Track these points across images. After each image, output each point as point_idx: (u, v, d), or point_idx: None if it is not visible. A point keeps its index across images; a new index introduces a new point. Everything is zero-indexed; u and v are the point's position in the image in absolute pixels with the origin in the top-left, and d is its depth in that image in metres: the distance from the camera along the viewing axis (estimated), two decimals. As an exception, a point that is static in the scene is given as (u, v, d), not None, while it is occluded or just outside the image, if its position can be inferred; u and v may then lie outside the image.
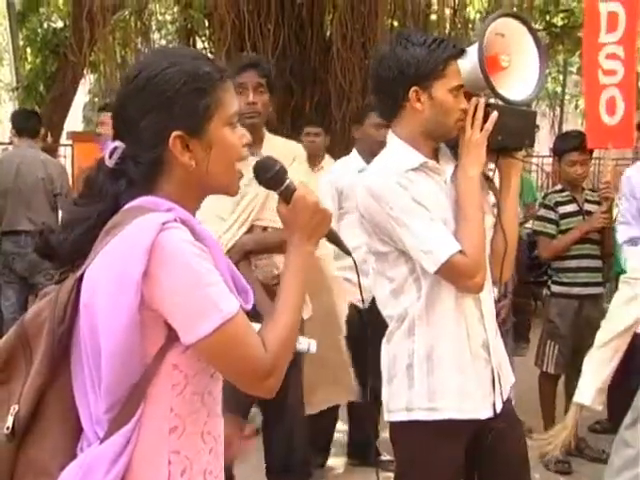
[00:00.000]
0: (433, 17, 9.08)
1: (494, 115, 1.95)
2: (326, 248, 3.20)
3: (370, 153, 3.75)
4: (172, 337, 1.25)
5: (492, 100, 2.04)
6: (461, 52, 1.97)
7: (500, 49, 2.04)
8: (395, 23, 8.43)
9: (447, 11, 9.22)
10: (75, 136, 8.52)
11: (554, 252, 3.80)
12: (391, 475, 3.63)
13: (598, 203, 3.87)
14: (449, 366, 1.96)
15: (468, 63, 1.99)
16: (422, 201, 1.93)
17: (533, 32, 2.06)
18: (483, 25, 2.03)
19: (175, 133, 1.28)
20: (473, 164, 1.95)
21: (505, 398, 2.06)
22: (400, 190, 1.92)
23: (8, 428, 1.26)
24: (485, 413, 2.00)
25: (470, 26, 9.47)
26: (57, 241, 1.31)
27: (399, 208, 1.91)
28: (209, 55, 9.20)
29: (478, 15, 10.50)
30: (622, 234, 3.34)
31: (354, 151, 3.89)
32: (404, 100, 1.96)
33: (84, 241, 1.29)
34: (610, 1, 4.13)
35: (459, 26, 9.23)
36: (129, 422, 1.24)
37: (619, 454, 2.65)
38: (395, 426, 2.04)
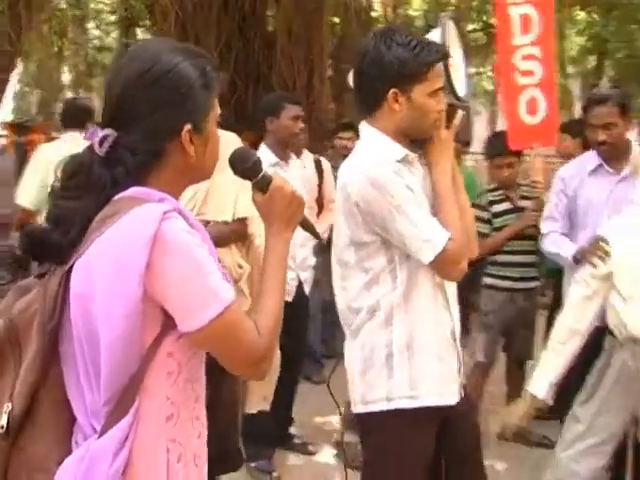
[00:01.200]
0: (374, 14, 9.20)
1: (460, 113, 2.03)
2: (261, 239, 3.28)
3: (284, 145, 3.79)
4: (167, 325, 1.25)
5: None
6: (445, 56, 1.98)
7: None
8: (338, 20, 8.50)
9: (388, 9, 9.37)
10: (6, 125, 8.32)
11: (487, 250, 3.80)
12: (304, 456, 3.79)
13: (535, 198, 3.94)
14: (429, 353, 2.00)
15: None
16: (414, 190, 1.97)
17: (459, 35, 2.14)
18: (444, 26, 2.07)
19: (187, 127, 1.30)
20: (447, 158, 2.03)
21: (465, 382, 2.14)
22: (398, 179, 1.94)
23: (2, 427, 1.25)
24: (454, 398, 2.05)
25: (409, 23, 9.63)
26: (52, 239, 1.28)
27: (400, 197, 1.93)
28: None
29: (416, 13, 10.69)
30: (546, 227, 3.45)
31: (263, 146, 3.80)
32: (383, 99, 1.98)
33: (82, 234, 1.27)
34: (520, 5, 4.24)
35: (401, 22, 9.39)
36: (128, 413, 1.23)
37: (570, 429, 2.78)
38: (372, 416, 2.04)
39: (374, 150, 2.02)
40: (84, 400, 1.27)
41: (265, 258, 1.40)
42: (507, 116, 4.06)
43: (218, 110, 1.38)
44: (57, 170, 1.33)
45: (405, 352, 1.99)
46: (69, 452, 1.28)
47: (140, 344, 1.23)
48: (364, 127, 2.07)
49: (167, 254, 1.20)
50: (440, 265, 1.95)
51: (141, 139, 1.28)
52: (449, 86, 2.03)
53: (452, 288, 2.10)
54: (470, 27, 9.52)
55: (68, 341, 1.28)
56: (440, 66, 1.98)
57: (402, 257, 1.98)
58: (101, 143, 1.29)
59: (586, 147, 3.83)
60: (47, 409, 1.28)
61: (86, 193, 1.29)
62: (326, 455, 3.93)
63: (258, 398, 3.52)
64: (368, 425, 2.09)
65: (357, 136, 4.41)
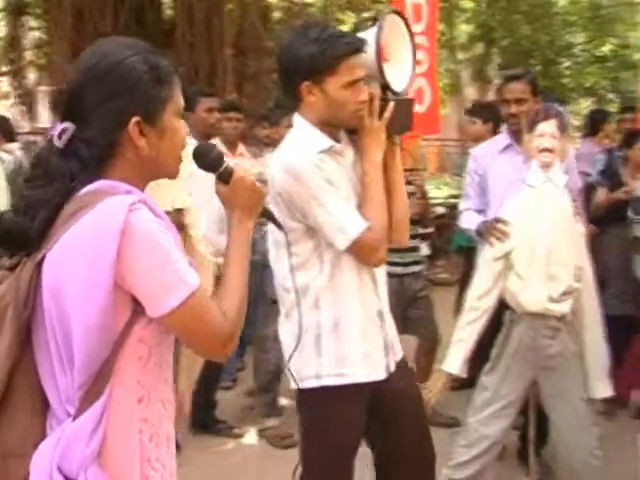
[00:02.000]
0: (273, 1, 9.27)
1: (391, 105, 2.10)
2: (195, 229, 3.37)
3: (206, 138, 3.83)
4: (137, 311, 1.31)
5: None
6: (356, 50, 2.02)
7: (384, 41, 2.12)
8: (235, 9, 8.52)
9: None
10: None
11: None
12: (228, 440, 3.90)
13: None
14: (355, 333, 2.12)
15: (367, 54, 2.08)
16: (333, 181, 2.06)
17: (409, 28, 2.19)
18: (382, 21, 2.13)
19: (135, 119, 1.34)
20: (377, 150, 2.10)
21: (398, 360, 2.26)
22: (316, 170, 2.03)
23: None
24: (382, 374, 2.18)
25: (306, 11, 9.73)
26: (20, 226, 1.32)
27: (317, 187, 2.03)
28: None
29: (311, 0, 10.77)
30: (462, 205, 3.68)
31: (190, 138, 3.84)
32: (299, 92, 2.07)
33: (48, 225, 1.32)
34: None
35: (296, 10, 9.49)
36: (101, 396, 1.29)
37: (479, 396, 3.02)
38: (304, 393, 2.15)
39: (298, 141, 2.13)
40: (57, 386, 1.33)
41: (228, 245, 1.49)
42: None
43: (180, 104, 1.42)
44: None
45: (332, 333, 2.11)
46: (44, 437, 1.33)
47: (112, 331, 1.30)
48: (295, 118, 2.18)
49: (136, 244, 1.27)
50: (356, 252, 2.08)
51: (94, 132, 1.33)
52: (381, 79, 2.11)
53: (381, 270, 2.21)
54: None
55: (40, 329, 1.33)
56: (360, 58, 2.04)
57: (327, 242, 2.10)
58: (60, 136, 1.35)
59: (496, 131, 4.08)
60: (22, 395, 1.33)
61: (48, 182, 1.34)
62: (251, 438, 4.05)
63: (184, 382, 3.59)
64: (302, 401, 2.22)
65: (271, 125, 4.49)
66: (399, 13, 2.23)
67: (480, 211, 3.52)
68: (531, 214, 2.86)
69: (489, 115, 4.57)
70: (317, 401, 2.17)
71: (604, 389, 3.06)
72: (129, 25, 7.79)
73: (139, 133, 1.36)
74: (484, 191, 3.56)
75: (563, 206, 2.91)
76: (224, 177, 1.53)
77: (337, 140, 2.15)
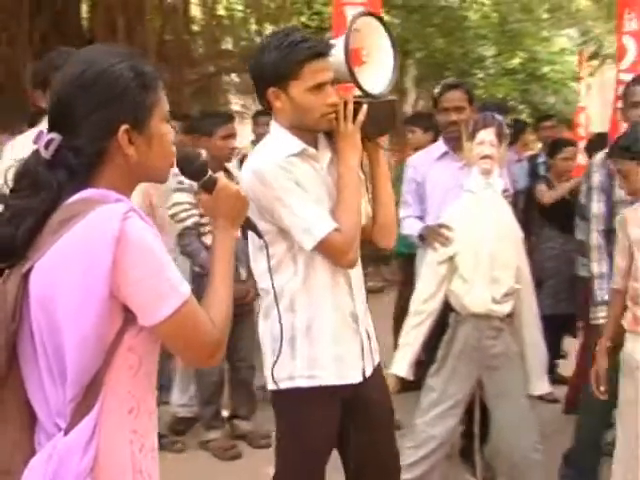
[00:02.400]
0: (194, 13, 9.23)
1: (364, 108, 2.09)
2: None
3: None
4: (128, 321, 1.30)
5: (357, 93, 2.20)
6: (317, 54, 2.04)
7: (359, 44, 2.17)
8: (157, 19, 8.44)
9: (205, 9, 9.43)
10: None
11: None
12: (170, 454, 3.85)
13: None
14: (327, 336, 2.13)
15: (336, 58, 2.10)
16: (302, 183, 2.07)
17: (387, 29, 2.20)
18: (349, 23, 2.16)
19: (123, 127, 1.33)
20: (352, 153, 2.11)
21: (375, 364, 2.26)
22: (282, 172, 2.06)
23: None
24: (357, 378, 2.18)
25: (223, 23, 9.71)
26: (4, 235, 1.30)
27: (282, 189, 2.05)
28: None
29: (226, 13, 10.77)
30: (401, 212, 3.76)
31: None
32: (267, 98, 2.10)
33: (33, 234, 1.30)
34: (355, 5, 4.52)
35: (214, 23, 9.47)
36: (93, 407, 1.28)
37: (426, 397, 3.10)
38: (278, 394, 2.18)
39: (269, 145, 2.17)
40: (47, 399, 1.31)
41: (213, 253, 1.50)
42: None
43: (165, 109, 1.41)
44: (7, 176, 1.35)
45: (306, 335, 2.13)
46: (32, 453, 1.30)
47: (105, 341, 1.29)
48: (272, 123, 2.20)
49: (131, 253, 1.26)
50: (324, 253, 2.10)
51: (82, 141, 1.32)
52: (353, 82, 2.13)
53: (357, 273, 2.23)
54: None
55: (27, 342, 1.31)
56: (324, 61, 2.06)
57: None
58: (47, 146, 1.33)
59: (436, 140, 4.20)
60: (10, 410, 1.30)
61: (35, 193, 1.32)
62: (194, 452, 4.00)
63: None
64: (277, 403, 2.24)
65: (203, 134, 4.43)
66: (374, 15, 2.24)
67: (419, 218, 3.59)
68: (473, 219, 2.97)
69: (428, 124, 4.66)
70: (290, 403, 2.19)
71: (542, 386, 3.20)
72: (47, 33, 7.58)
73: (128, 141, 1.35)
74: (422, 198, 3.64)
75: (503, 211, 3.03)
76: (208, 186, 1.53)
77: (313, 144, 2.17)
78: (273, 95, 2.09)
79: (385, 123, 2.22)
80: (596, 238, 3.21)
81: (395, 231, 2.35)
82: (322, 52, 2.06)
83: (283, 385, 2.16)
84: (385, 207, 2.26)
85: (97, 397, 1.29)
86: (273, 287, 2.04)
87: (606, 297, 3.09)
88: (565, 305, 4.51)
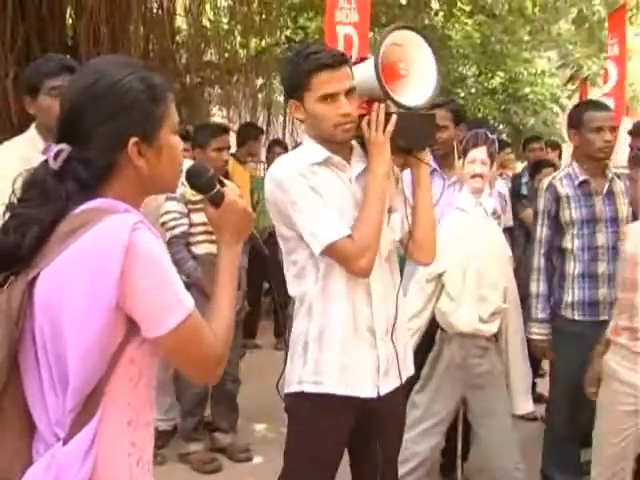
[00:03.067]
0: (179, 24, 9.23)
1: (394, 118, 2.10)
2: None
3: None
4: (131, 332, 1.30)
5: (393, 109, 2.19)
6: (324, 65, 2.04)
7: (398, 58, 2.17)
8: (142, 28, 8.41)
9: (189, 19, 9.44)
10: None
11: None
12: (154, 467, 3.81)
13: None
14: (334, 345, 2.12)
15: (367, 72, 2.11)
16: (320, 191, 2.08)
17: (430, 42, 2.19)
18: (380, 37, 2.14)
19: (133, 139, 1.33)
20: (379, 163, 2.11)
21: (397, 386, 2.22)
22: (299, 178, 2.08)
23: None
24: (366, 393, 2.15)
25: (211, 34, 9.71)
26: (7, 245, 1.29)
27: (297, 194, 2.07)
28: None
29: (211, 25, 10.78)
30: None
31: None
32: (291, 110, 2.17)
33: (39, 243, 1.30)
34: (345, 25, 4.59)
35: (199, 35, 9.47)
36: (93, 418, 1.27)
37: (410, 414, 3.05)
38: (288, 397, 2.21)
39: (295, 154, 2.24)
40: (46, 409, 1.30)
41: (217, 267, 1.50)
42: None
43: (175, 120, 1.42)
44: (14, 185, 1.35)
45: (317, 342, 2.14)
46: (30, 462, 1.29)
47: (108, 351, 1.28)
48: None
49: (139, 264, 1.26)
50: (334, 259, 2.10)
51: (92, 152, 1.32)
52: (384, 93, 2.12)
53: (385, 286, 2.20)
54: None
55: (27, 351, 1.30)
56: (336, 72, 2.06)
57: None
58: (56, 157, 1.32)
59: None
60: (10, 418, 1.29)
61: (43, 203, 1.31)
62: (174, 465, 3.97)
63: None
64: (287, 406, 2.25)
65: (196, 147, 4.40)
66: (414, 29, 2.22)
67: None
68: (463, 238, 2.99)
69: None
70: (298, 407, 2.21)
71: (525, 405, 3.22)
72: (30, 41, 7.53)
73: (138, 153, 1.35)
74: None
75: (492, 230, 3.06)
76: (215, 200, 1.53)
77: (344, 154, 2.17)
78: (293, 107, 2.15)
79: (420, 137, 2.21)
80: (537, 261, 3.32)
81: (434, 249, 2.32)
82: (328, 63, 2.07)
83: (292, 389, 2.19)
84: (423, 224, 2.24)
85: (97, 407, 1.29)
86: (297, 293, 2.12)
87: (540, 315, 3.31)
88: None
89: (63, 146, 1.33)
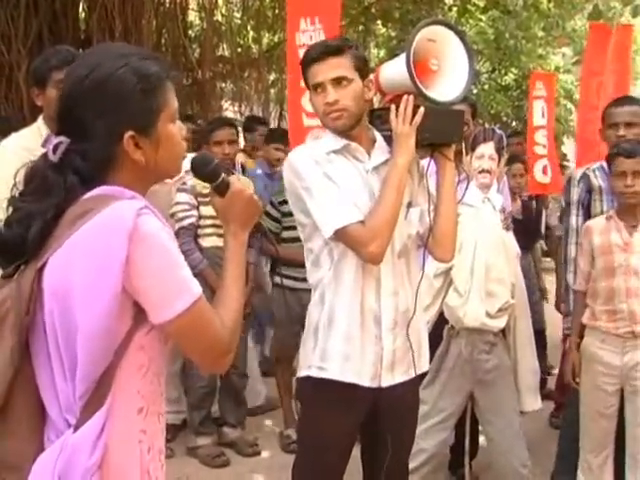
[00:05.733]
0: (191, 18, 9.24)
1: (421, 110, 2.10)
2: None
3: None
4: (139, 319, 1.30)
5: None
6: (311, 60, 2.13)
7: (430, 54, 2.17)
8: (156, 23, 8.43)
9: (202, 14, 9.45)
10: None
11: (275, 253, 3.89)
12: None
13: None
14: (340, 334, 2.15)
15: (399, 67, 2.13)
16: (334, 178, 2.10)
17: (463, 38, 2.19)
18: (412, 32, 2.14)
19: (128, 133, 1.32)
20: (402, 153, 2.11)
21: (405, 380, 2.23)
22: (313, 164, 2.12)
23: None
24: (364, 382, 2.16)
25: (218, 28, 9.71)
26: (12, 237, 1.30)
27: (311, 180, 2.10)
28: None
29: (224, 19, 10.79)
30: None
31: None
32: None
33: (44, 234, 1.30)
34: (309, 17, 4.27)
35: (211, 29, 9.47)
36: (102, 405, 1.27)
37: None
38: (299, 381, 2.26)
39: (314, 142, 2.29)
40: (57, 396, 1.30)
41: (224, 257, 1.50)
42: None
43: (174, 108, 1.39)
44: (16, 178, 1.35)
45: (326, 328, 2.17)
46: (41, 449, 1.29)
47: (116, 337, 1.28)
48: None
49: (144, 249, 1.26)
50: (344, 243, 2.11)
51: (89, 145, 1.32)
52: (415, 86, 2.12)
53: (394, 280, 2.19)
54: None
55: (39, 337, 1.30)
56: (322, 64, 2.12)
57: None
58: (55, 150, 1.32)
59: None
60: (22, 405, 1.29)
61: (44, 197, 1.31)
62: (182, 458, 3.98)
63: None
64: (297, 389, 2.32)
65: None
66: (448, 24, 2.23)
67: None
68: (471, 233, 2.97)
69: None
70: (306, 391, 2.27)
71: (533, 402, 3.20)
72: (42, 34, 7.56)
73: (134, 146, 1.34)
74: None
75: (500, 226, 3.04)
76: (221, 189, 1.52)
77: (363, 146, 2.20)
78: (310, 100, 2.24)
79: (447, 132, 2.21)
80: (573, 251, 3.32)
81: (453, 246, 2.32)
82: (314, 57, 2.14)
83: (302, 372, 2.23)
84: (444, 220, 2.25)
85: (107, 395, 1.29)
86: (313, 281, 2.20)
87: None
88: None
89: (62, 138, 1.33)
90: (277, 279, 4.08)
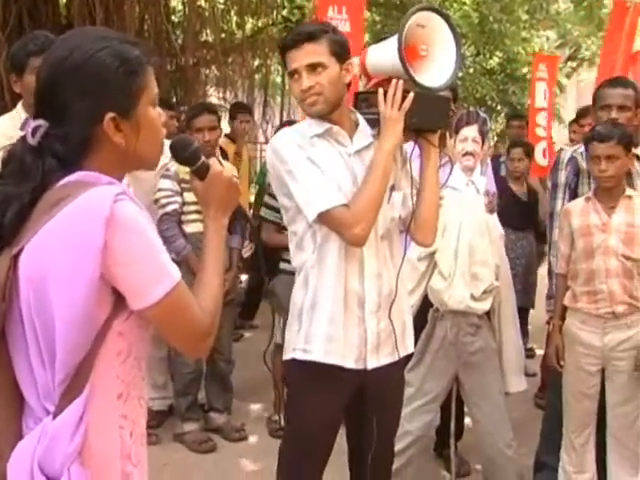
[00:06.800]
0: (174, 4, 9.15)
1: (410, 95, 2.11)
2: None
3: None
4: (118, 305, 1.29)
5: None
6: (287, 47, 2.13)
7: (420, 39, 2.18)
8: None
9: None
10: None
11: (277, 242, 3.83)
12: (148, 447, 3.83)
13: None
14: (324, 317, 2.16)
15: (388, 51, 2.13)
16: (317, 162, 2.11)
17: (451, 25, 2.19)
18: (404, 18, 2.14)
19: (109, 115, 1.31)
20: (389, 138, 2.12)
21: (390, 362, 2.24)
22: (296, 148, 2.13)
23: None
24: (350, 364, 2.17)
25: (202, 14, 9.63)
26: None
27: (293, 163, 2.11)
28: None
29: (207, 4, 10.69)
30: None
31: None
32: None
33: (20, 219, 1.28)
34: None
35: (194, 15, 9.40)
36: (82, 392, 1.26)
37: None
38: (285, 364, 2.27)
39: (297, 126, 2.30)
40: (35, 383, 1.29)
41: (204, 240, 1.49)
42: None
43: (154, 92, 1.39)
44: None
45: (310, 311, 2.18)
46: (20, 437, 1.29)
47: (94, 323, 1.27)
48: None
49: (122, 234, 1.25)
50: (328, 226, 2.12)
51: (68, 128, 1.30)
52: (405, 71, 2.12)
53: (377, 263, 2.20)
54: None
55: (15, 324, 1.29)
56: (297, 50, 2.12)
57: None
58: (33, 133, 1.31)
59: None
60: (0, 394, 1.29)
61: (21, 180, 1.30)
62: (169, 444, 3.98)
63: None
64: (283, 372, 2.34)
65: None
66: (438, 11, 2.22)
67: None
68: (454, 216, 2.97)
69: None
70: (291, 374, 2.29)
71: (518, 384, 3.23)
72: (22, 20, 7.45)
73: (115, 128, 1.33)
74: None
75: (483, 208, 3.04)
76: (200, 172, 1.51)
77: (345, 130, 2.20)
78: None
79: (434, 118, 2.22)
80: (556, 234, 3.28)
81: (435, 230, 2.34)
82: (288, 44, 2.14)
83: (287, 356, 2.24)
84: (427, 205, 2.26)
85: (85, 381, 1.28)
86: (297, 264, 2.20)
87: None
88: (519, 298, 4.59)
89: (40, 122, 1.32)
90: (282, 265, 4.06)
